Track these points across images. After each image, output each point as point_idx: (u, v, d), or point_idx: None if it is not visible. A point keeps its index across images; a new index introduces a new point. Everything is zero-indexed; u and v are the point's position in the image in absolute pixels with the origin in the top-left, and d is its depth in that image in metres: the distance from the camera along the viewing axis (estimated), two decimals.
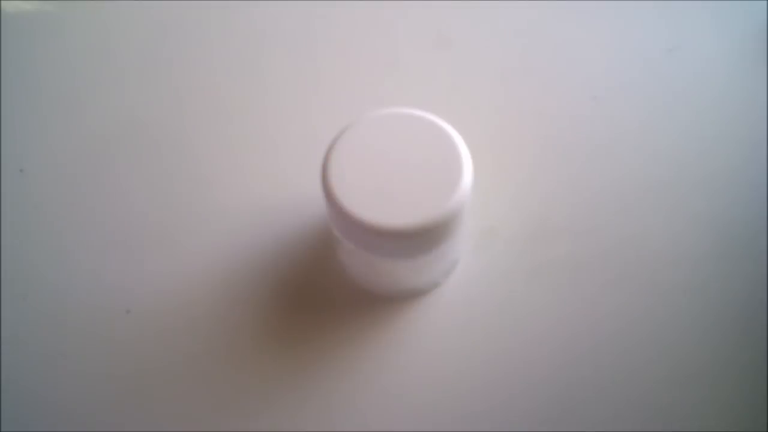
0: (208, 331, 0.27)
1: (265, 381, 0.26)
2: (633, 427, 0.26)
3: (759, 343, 0.27)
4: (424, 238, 0.22)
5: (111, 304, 0.27)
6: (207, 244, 0.28)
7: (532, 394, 0.26)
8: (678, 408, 0.26)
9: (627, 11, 0.33)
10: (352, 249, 0.23)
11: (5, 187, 0.30)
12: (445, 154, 0.22)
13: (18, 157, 0.30)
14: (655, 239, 0.29)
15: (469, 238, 0.28)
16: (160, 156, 0.30)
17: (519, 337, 0.27)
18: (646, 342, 0.27)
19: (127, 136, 0.31)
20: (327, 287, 0.28)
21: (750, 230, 0.29)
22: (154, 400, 0.26)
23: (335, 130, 0.23)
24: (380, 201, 0.21)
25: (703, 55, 0.32)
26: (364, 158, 0.22)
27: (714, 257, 0.28)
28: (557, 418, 0.26)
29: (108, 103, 0.32)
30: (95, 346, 0.27)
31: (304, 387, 0.26)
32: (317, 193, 0.22)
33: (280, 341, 0.27)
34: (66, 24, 0.34)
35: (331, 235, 0.25)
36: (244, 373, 0.26)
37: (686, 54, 0.32)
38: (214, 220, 0.29)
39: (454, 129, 0.23)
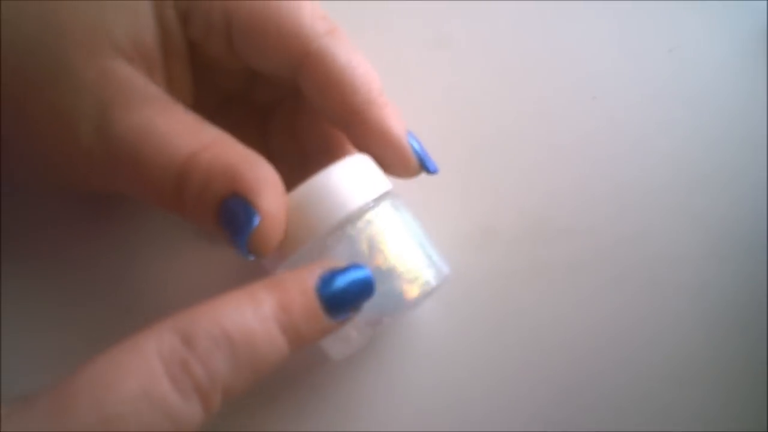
0: None
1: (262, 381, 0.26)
2: (633, 427, 0.26)
3: (759, 343, 0.27)
4: None
5: (111, 303, 0.27)
6: (207, 243, 0.28)
7: (532, 395, 0.26)
8: (678, 408, 0.26)
9: (627, 11, 0.33)
10: None
11: (4, 185, 0.30)
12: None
13: None
14: (655, 239, 0.29)
15: (469, 239, 0.28)
16: None
17: (519, 337, 0.27)
18: (647, 342, 0.27)
19: None
20: None
21: (750, 230, 0.29)
22: None
23: None
24: None
25: (703, 55, 0.32)
26: None
27: (714, 257, 0.28)
28: (558, 418, 0.26)
29: None
30: (95, 345, 0.27)
31: (302, 387, 0.26)
32: None
33: None
34: None
35: None
36: None
37: (686, 54, 0.32)
38: None
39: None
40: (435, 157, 0.26)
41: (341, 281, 0.21)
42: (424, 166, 0.25)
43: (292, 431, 0.25)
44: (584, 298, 0.27)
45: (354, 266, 0.21)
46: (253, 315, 0.19)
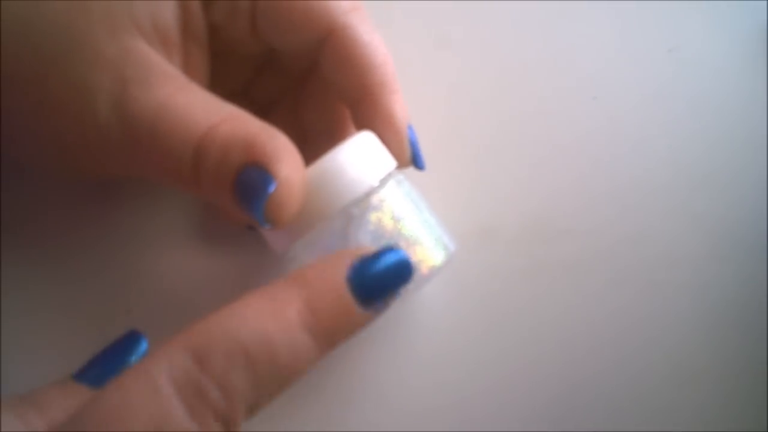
0: None
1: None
2: (633, 427, 0.26)
3: (759, 343, 0.27)
4: None
5: (111, 304, 0.27)
6: (208, 244, 0.28)
7: (531, 395, 0.26)
8: (678, 408, 0.26)
9: (627, 11, 0.33)
10: None
11: (5, 184, 0.30)
12: None
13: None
14: (655, 240, 0.29)
15: (469, 238, 0.28)
16: None
17: (518, 336, 0.27)
18: (646, 342, 0.27)
19: None
20: None
21: (750, 231, 0.29)
22: None
23: None
24: None
25: (703, 55, 0.32)
26: None
27: (714, 258, 0.28)
28: (558, 418, 0.26)
29: None
30: (95, 346, 0.27)
31: (301, 386, 0.26)
32: None
33: None
34: None
35: None
36: None
37: (686, 54, 0.32)
38: (215, 219, 0.29)
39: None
40: (435, 156, 0.26)
41: (376, 268, 0.19)
42: (415, 160, 0.25)
43: (285, 431, 0.25)
44: (584, 299, 0.27)
45: (387, 249, 0.20)
46: (274, 322, 0.18)
